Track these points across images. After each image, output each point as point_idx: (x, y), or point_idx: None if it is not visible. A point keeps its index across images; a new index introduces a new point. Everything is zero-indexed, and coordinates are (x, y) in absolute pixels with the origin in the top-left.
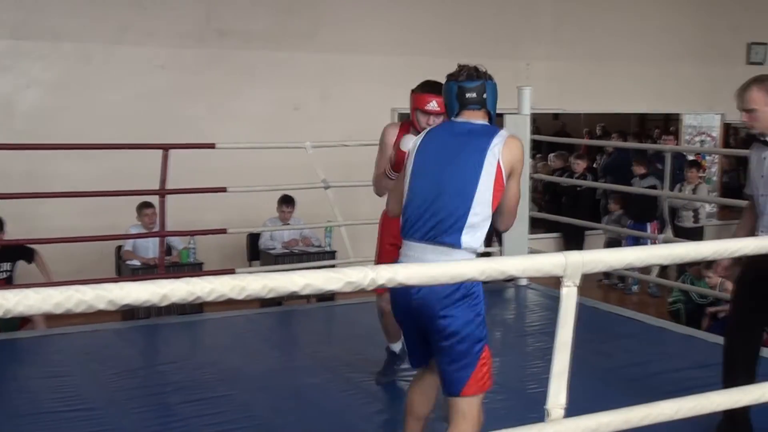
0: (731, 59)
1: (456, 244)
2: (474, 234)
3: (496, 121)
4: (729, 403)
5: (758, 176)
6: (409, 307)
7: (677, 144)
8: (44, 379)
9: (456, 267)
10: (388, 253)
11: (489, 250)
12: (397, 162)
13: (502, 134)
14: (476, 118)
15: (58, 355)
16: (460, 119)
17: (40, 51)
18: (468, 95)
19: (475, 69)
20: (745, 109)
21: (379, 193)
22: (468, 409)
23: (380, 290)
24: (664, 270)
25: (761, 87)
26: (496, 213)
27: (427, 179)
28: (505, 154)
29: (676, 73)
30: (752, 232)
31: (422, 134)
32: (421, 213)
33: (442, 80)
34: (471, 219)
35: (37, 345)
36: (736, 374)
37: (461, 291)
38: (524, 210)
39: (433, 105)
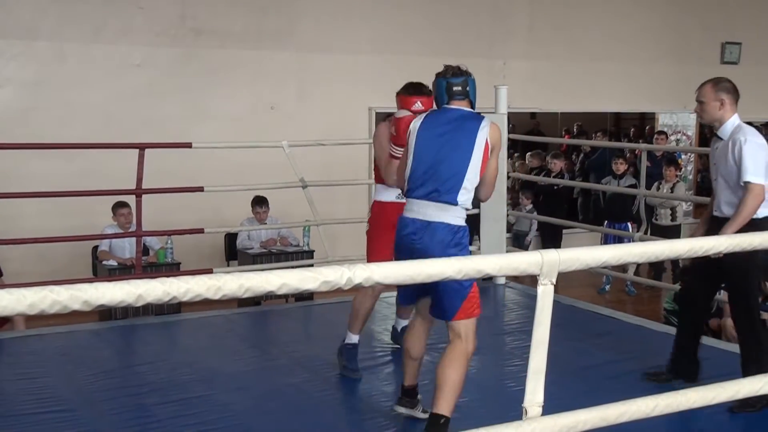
0: (706, 59)
1: (453, 202)
2: (466, 195)
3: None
4: (705, 401)
5: (712, 164)
6: (411, 252)
7: (668, 143)
8: (19, 381)
9: (432, 265)
10: (384, 244)
11: (472, 248)
12: (399, 135)
13: (487, 119)
14: (463, 106)
15: (34, 356)
16: (451, 107)
17: (14, 50)
18: (455, 88)
19: (458, 68)
20: (698, 100)
21: (392, 181)
22: (464, 330)
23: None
24: (659, 276)
25: (714, 86)
26: (479, 184)
27: (430, 151)
28: (491, 134)
29: (652, 72)
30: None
31: (421, 117)
32: (425, 178)
33: (422, 79)
34: (465, 183)
35: (13, 346)
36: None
37: (455, 240)
38: (501, 209)
39: (419, 105)
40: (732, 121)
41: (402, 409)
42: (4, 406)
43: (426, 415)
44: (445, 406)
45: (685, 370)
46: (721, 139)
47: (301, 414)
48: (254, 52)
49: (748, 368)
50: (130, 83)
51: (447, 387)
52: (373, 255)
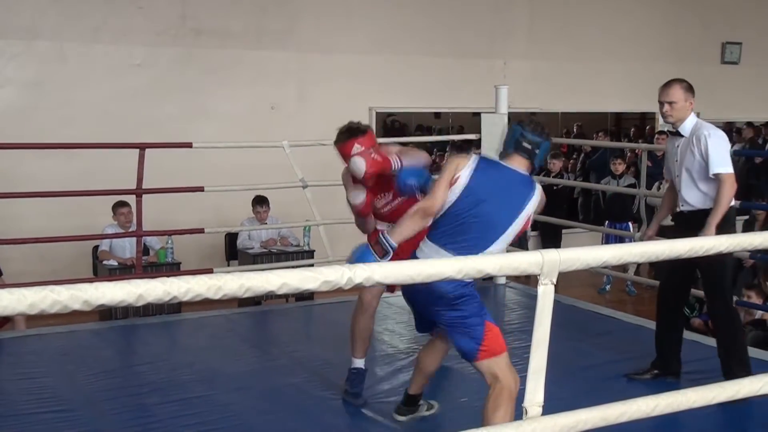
0: (706, 58)
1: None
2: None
3: (471, 120)
4: (705, 400)
5: (673, 161)
6: (412, 298)
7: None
8: (20, 380)
9: (432, 266)
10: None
11: None
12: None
13: (538, 188)
14: (521, 165)
15: (34, 356)
16: (507, 162)
17: (14, 50)
18: (525, 145)
19: (541, 126)
20: (667, 101)
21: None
22: (493, 370)
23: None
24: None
25: (682, 86)
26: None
27: (476, 208)
28: (536, 205)
29: (652, 72)
30: (673, 208)
31: (474, 162)
32: (457, 230)
33: (422, 78)
34: (493, 248)
35: (13, 345)
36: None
37: (455, 293)
38: None
39: (357, 147)
40: (691, 119)
41: (401, 418)
42: (5, 405)
43: (431, 411)
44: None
45: (667, 367)
46: (682, 136)
47: (301, 414)
48: (254, 52)
49: (730, 364)
50: (130, 83)
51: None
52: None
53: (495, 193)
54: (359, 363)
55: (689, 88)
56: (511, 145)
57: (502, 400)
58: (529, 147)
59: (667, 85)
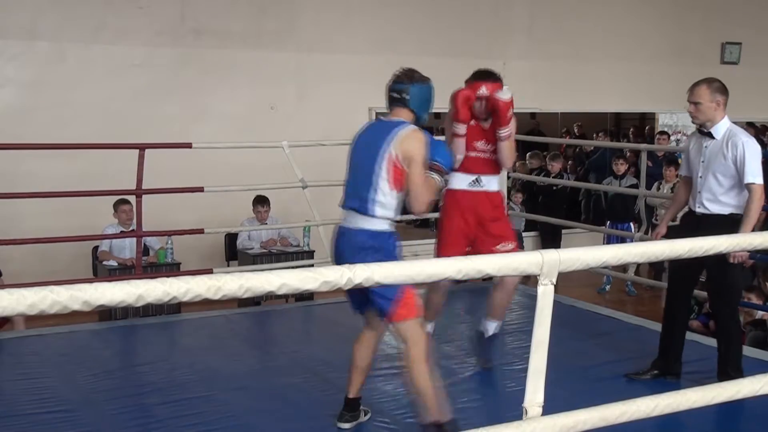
0: (706, 58)
1: (373, 214)
2: (384, 207)
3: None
4: (705, 400)
5: (698, 161)
6: (337, 258)
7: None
8: (20, 381)
9: (433, 265)
10: (455, 236)
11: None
12: (457, 110)
13: (403, 128)
14: (399, 116)
15: (34, 357)
16: (388, 117)
17: (14, 50)
18: (393, 95)
19: (406, 73)
20: (692, 101)
21: (457, 160)
22: (404, 333)
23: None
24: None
25: (709, 86)
26: (407, 196)
27: (353, 165)
28: (401, 145)
29: (651, 72)
30: (683, 206)
31: (360, 128)
32: (350, 191)
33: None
34: (377, 197)
35: (13, 346)
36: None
37: (374, 241)
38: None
39: (483, 90)
40: (725, 122)
41: (346, 426)
42: (5, 406)
43: (367, 417)
44: (429, 414)
45: (668, 367)
46: (714, 137)
47: (302, 414)
48: (254, 52)
49: (727, 368)
50: (130, 83)
51: (419, 396)
52: (444, 248)
53: (363, 144)
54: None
55: (719, 89)
56: (387, 101)
57: (414, 364)
58: (397, 96)
59: (695, 84)
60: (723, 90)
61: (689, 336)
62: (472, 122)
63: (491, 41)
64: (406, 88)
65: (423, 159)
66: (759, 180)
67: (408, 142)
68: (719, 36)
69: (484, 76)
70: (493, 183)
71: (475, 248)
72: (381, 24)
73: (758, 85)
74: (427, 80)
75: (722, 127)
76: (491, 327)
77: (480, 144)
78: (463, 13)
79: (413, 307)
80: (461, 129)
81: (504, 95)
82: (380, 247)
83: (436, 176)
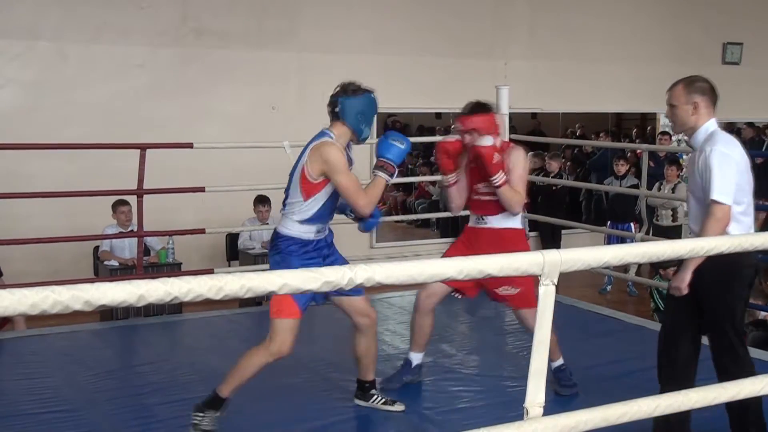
0: (707, 59)
1: (284, 217)
2: (293, 212)
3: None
4: (706, 401)
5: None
6: None
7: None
8: (21, 381)
9: (434, 265)
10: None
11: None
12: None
13: (319, 141)
14: (333, 128)
15: (36, 356)
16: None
17: (15, 50)
18: (328, 108)
19: (342, 86)
20: (668, 103)
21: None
22: (273, 328)
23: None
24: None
25: (687, 86)
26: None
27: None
28: (311, 157)
29: (653, 72)
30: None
31: None
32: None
33: (423, 79)
34: (288, 200)
35: (15, 346)
36: (676, 379)
37: (273, 242)
38: None
39: (457, 126)
40: (705, 128)
41: (358, 402)
42: (6, 406)
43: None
44: (222, 385)
45: None
46: (694, 149)
47: (303, 414)
48: (255, 52)
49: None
50: (131, 83)
51: (235, 371)
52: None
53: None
54: (411, 355)
55: (699, 89)
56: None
57: (257, 351)
58: (330, 109)
59: (673, 84)
60: (704, 90)
61: None
62: (471, 164)
63: (492, 41)
64: (338, 101)
65: (342, 165)
66: (724, 198)
67: (317, 154)
68: (721, 36)
69: (469, 110)
70: (499, 221)
71: (481, 285)
72: (382, 24)
73: (759, 85)
74: (360, 93)
75: (701, 134)
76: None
77: (481, 186)
78: (465, 13)
79: (284, 309)
80: (447, 179)
81: (484, 141)
82: (278, 248)
83: (381, 174)
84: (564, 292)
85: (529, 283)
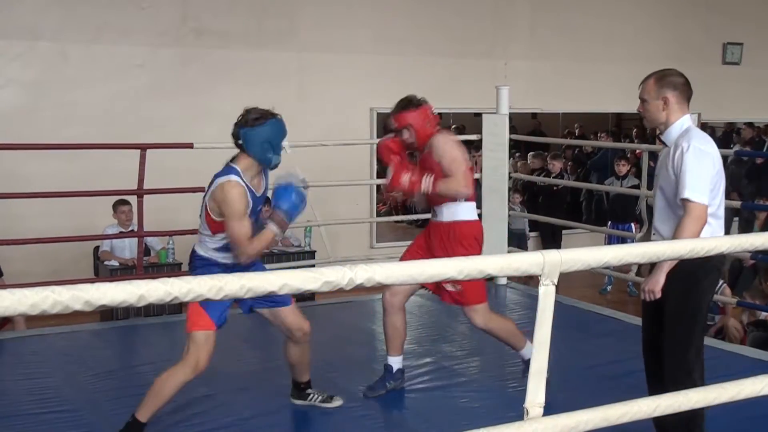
0: (707, 59)
1: (200, 240)
2: (207, 245)
3: (472, 121)
4: (707, 401)
5: (655, 175)
6: None
7: None
8: (21, 381)
9: (434, 265)
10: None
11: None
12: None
13: (222, 179)
14: (238, 161)
15: (36, 357)
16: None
17: (16, 50)
18: (231, 139)
19: (242, 116)
20: (640, 97)
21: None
22: (189, 343)
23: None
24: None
25: (658, 80)
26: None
27: None
28: (212, 195)
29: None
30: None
31: None
32: None
33: (423, 78)
34: (201, 237)
35: (15, 346)
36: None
37: (192, 263)
38: (503, 210)
39: (390, 124)
40: (679, 124)
41: (295, 401)
42: (7, 406)
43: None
44: (141, 410)
45: None
46: (666, 145)
47: (302, 414)
48: (255, 52)
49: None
50: (131, 84)
51: (151, 394)
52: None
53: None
54: (393, 361)
55: (670, 84)
56: None
57: (176, 371)
58: (233, 140)
59: (645, 78)
60: (676, 85)
61: None
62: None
63: (493, 42)
64: (239, 132)
65: (237, 212)
66: (699, 197)
67: (217, 194)
68: (721, 36)
69: (399, 108)
70: (450, 213)
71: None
72: (382, 24)
73: (760, 85)
74: (262, 121)
75: (675, 130)
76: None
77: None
78: (465, 13)
79: (198, 322)
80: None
81: (388, 174)
82: (194, 268)
83: (272, 227)
84: (564, 292)
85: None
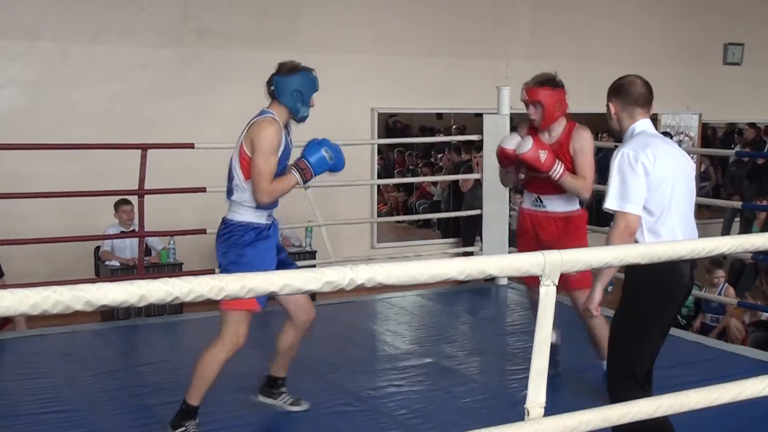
0: (708, 60)
1: (230, 201)
2: (241, 193)
3: (473, 121)
4: (708, 401)
5: None
6: None
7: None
8: (22, 381)
9: (434, 265)
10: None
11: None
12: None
13: (257, 117)
14: (270, 107)
15: (37, 357)
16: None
17: (16, 50)
18: (265, 87)
19: (279, 65)
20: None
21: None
22: (224, 320)
23: (528, 280)
24: None
25: (609, 89)
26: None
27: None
28: (247, 134)
29: (654, 73)
30: None
31: None
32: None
33: (423, 78)
34: (232, 185)
35: (16, 346)
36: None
37: (225, 230)
38: (504, 209)
39: (522, 95)
40: (630, 131)
41: (262, 399)
42: (7, 406)
43: (293, 408)
44: (189, 394)
45: None
46: None
47: (302, 414)
48: (256, 52)
49: None
50: (132, 84)
51: (193, 375)
52: None
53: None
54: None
55: (611, 91)
56: None
57: (216, 350)
58: (267, 88)
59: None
60: (619, 93)
61: (689, 336)
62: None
63: (493, 42)
64: (273, 79)
65: (267, 147)
66: (614, 204)
67: (252, 130)
68: (722, 37)
69: (536, 82)
70: (559, 204)
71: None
72: (383, 25)
73: (761, 85)
74: (295, 71)
75: (626, 138)
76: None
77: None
78: (466, 13)
79: (237, 301)
80: (504, 170)
81: (524, 147)
82: (229, 234)
83: (295, 173)
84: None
85: None
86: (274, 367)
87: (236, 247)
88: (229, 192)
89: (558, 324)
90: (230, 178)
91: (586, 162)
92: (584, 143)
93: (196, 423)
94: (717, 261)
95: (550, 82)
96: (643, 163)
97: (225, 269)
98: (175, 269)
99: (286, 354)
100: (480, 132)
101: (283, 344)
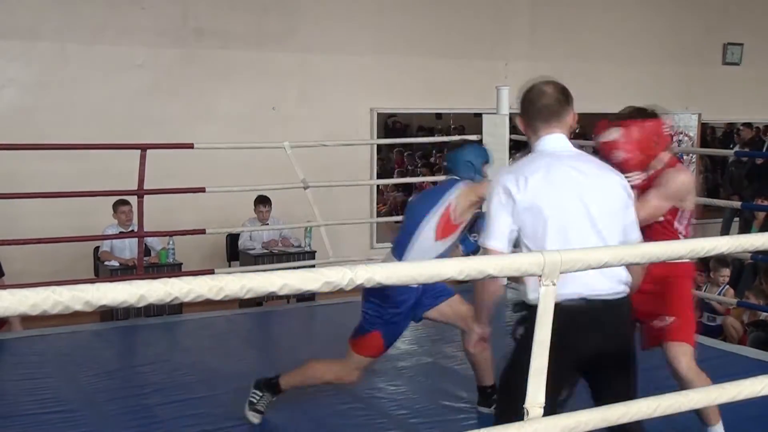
0: (708, 60)
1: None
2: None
3: (472, 121)
4: (707, 401)
5: None
6: None
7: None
8: (22, 381)
9: (434, 266)
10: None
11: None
12: None
13: (462, 183)
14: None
15: (36, 357)
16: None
17: (16, 50)
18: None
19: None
20: None
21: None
22: (346, 355)
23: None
24: None
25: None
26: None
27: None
28: (459, 193)
29: (654, 73)
30: None
31: None
32: None
33: (424, 78)
34: (418, 235)
35: (15, 346)
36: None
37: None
38: None
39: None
40: (534, 147)
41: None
42: (7, 406)
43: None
44: (285, 378)
45: None
46: None
47: (303, 415)
48: (256, 52)
49: None
50: (131, 84)
51: (301, 367)
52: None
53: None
54: None
55: (520, 105)
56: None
57: (333, 368)
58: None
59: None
60: (523, 102)
61: None
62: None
63: (493, 42)
64: (447, 156)
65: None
66: (481, 239)
67: (467, 190)
68: (721, 37)
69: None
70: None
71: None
72: (382, 25)
73: (760, 86)
74: (463, 145)
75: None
76: None
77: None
78: (465, 14)
79: (362, 348)
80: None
81: (608, 136)
82: (370, 297)
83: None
84: None
85: (687, 313)
86: (476, 376)
87: (383, 307)
88: (401, 246)
89: None
90: (408, 232)
91: (659, 195)
92: (670, 179)
93: (272, 401)
94: (723, 260)
95: (640, 114)
96: (510, 191)
97: (361, 326)
98: (174, 269)
99: (477, 364)
100: (479, 132)
101: (476, 358)
